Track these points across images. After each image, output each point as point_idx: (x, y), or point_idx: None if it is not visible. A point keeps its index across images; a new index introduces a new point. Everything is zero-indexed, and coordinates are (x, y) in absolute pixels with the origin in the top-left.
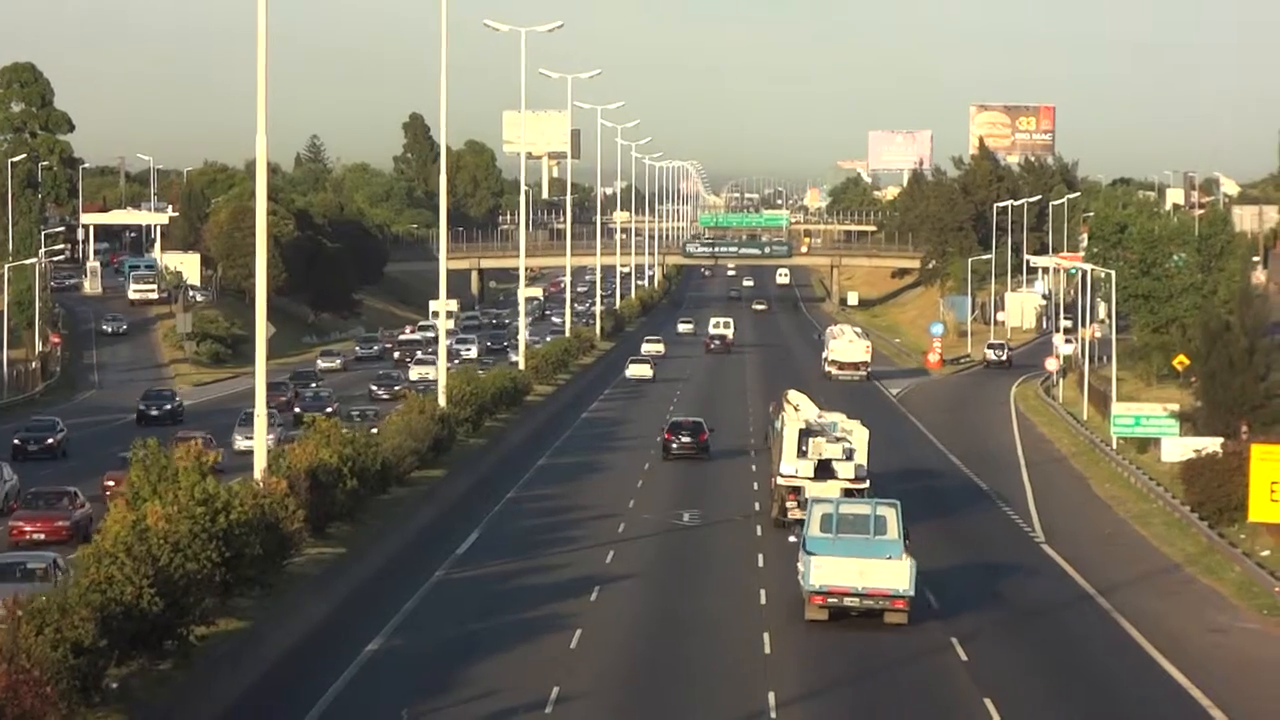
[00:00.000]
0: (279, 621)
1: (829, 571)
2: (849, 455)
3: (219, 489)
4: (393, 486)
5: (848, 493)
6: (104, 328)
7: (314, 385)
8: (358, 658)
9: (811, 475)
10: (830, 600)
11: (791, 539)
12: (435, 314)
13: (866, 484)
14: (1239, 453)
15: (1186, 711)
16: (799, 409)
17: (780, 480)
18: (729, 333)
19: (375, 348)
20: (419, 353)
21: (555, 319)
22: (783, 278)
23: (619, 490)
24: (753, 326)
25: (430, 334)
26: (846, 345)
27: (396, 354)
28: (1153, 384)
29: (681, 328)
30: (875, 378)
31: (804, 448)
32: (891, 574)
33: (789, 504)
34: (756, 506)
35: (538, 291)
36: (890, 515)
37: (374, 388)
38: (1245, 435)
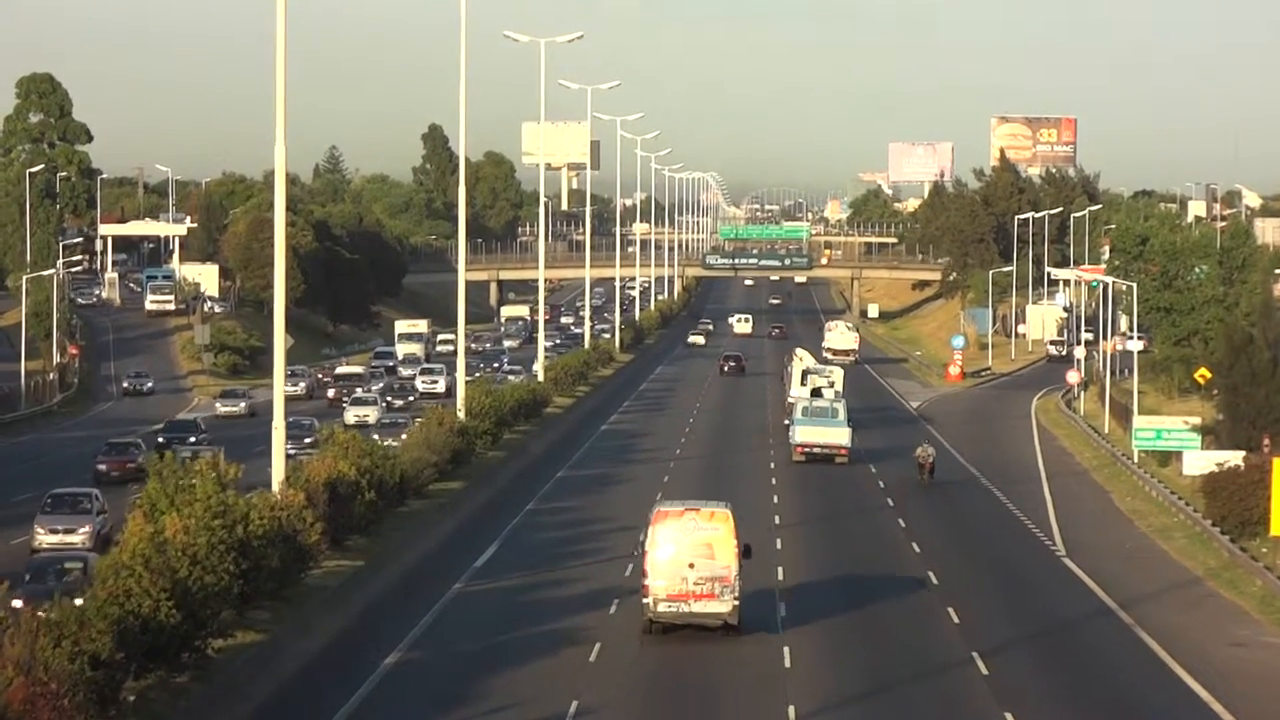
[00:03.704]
0: (296, 634)
1: (805, 434)
2: (831, 385)
3: (237, 501)
4: (411, 499)
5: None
6: (124, 384)
7: (192, 440)
8: (376, 671)
9: (808, 397)
10: (805, 450)
11: (786, 420)
12: (401, 336)
13: (843, 402)
14: (1261, 466)
15: None
16: (802, 359)
17: (790, 400)
18: (749, 328)
19: (301, 385)
20: (358, 390)
21: (547, 343)
22: (801, 277)
23: (639, 503)
24: (771, 318)
25: (389, 362)
26: (840, 336)
27: (331, 392)
28: (1174, 397)
29: (730, 319)
30: (865, 362)
31: (804, 381)
32: (839, 435)
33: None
34: (769, 410)
35: (524, 311)
36: (840, 406)
37: None
38: (1267, 449)
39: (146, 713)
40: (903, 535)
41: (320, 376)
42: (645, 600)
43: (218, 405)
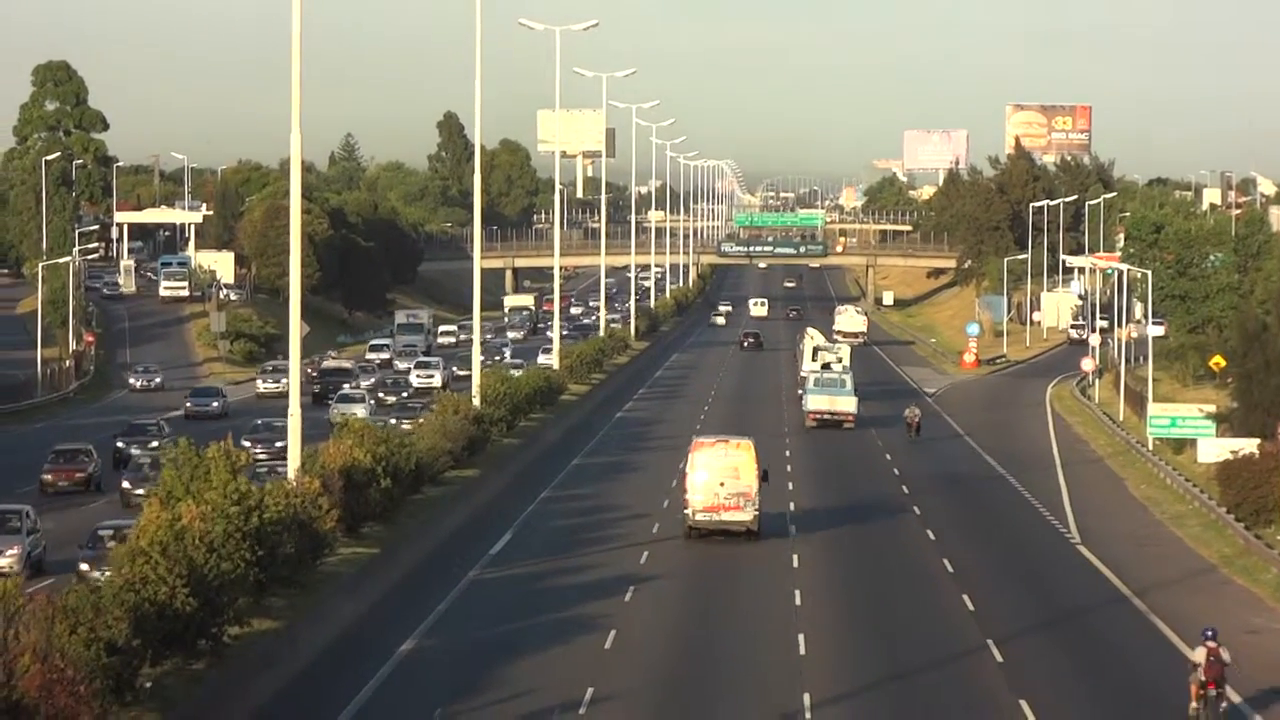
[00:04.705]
0: (312, 621)
1: (816, 402)
2: (840, 361)
3: (252, 488)
4: (427, 486)
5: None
6: (132, 381)
7: (154, 445)
8: (391, 658)
9: (819, 370)
10: (816, 416)
11: (800, 391)
12: (400, 327)
13: (850, 374)
14: (1276, 454)
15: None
16: (813, 338)
17: (802, 374)
18: (765, 311)
19: (282, 381)
20: (346, 386)
21: (551, 334)
22: (814, 262)
23: (653, 490)
24: (784, 299)
25: (384, 354)
26: (849, 320)
27: (316, 388)
28: (1189, 384)
29: (749, 303)
30: (874, 344)
31: (815, 357)
32: (846, 403)
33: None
34: (784, 395)
35: (528, 301)
36: (848, 379)
37: (245, 444)
38: None
39: (162, 699)
40: (917, 523)
41: (309, 371)
42: (686, 511)
43: (188, 404)
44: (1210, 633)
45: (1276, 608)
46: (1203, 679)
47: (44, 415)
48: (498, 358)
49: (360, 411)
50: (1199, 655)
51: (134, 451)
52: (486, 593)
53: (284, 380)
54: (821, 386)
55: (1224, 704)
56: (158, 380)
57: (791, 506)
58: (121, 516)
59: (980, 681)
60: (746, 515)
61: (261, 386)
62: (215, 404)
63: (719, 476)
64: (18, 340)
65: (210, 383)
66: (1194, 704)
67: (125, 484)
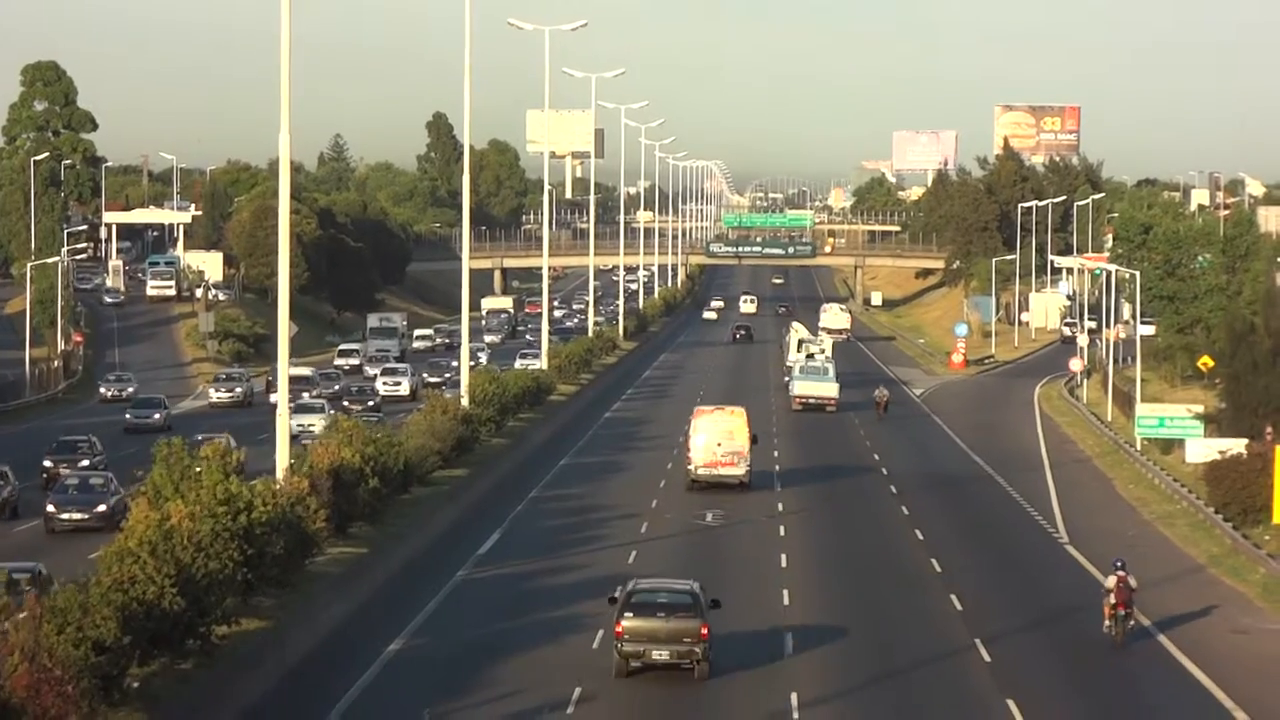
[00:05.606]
0: (301, 621)
1: (802, 388)
2: (823, 351)
3: (241, 488)
4: (415, 486)
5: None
6: (102, 390)
7: (85, 463)
8: (379, 658)
9: (803, 360)
10: (802, 400)
11: (786, 379)
12: (373, 331)
13: (832, 364)
14: (1263, 454)
15: (1209, 713)
16: (798, 331)
17: (788, 364)
18: (754, 308)
19: (237, 390)
20: (304, 394)
21: (530, 337)
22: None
23: (642, 490)
24: (773, 297)
25: (354, 359)
26: (834, 316)
27: (273, 398)
28: (1177, 385)
29: (740, 300)
30: (857, 339)
31: (799, 349)
32: (828, 389)
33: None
34: (771, 380)
35: (507, 303)
36: (830, 367)
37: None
38: (1270, 437)
39: (150, 699)
40: (905, 523)
41: (267, 378)
42: (689, 467)
43: (128, 415)
44: (1119, 563)
45: (1264, 607)
46: (1114, 601)
47: (33, 415)
48: (473, 363)
49: (319, 423)
50: (1111, 582)
51: (63, 471)
52: (475, 593)
53: (237, 389)
54: (806, 374)
55: (1131, 622)
56: (130, 389)
57: (780, 507)
58: (29, 555)
59: (968, 681)
60: (739, 470)
61: (214, 395)
62: (157, 416)
63: (716, 438)
64: (6, 340)
65: (199, 382)
66: (1106, 622)
67: (50, 508)
